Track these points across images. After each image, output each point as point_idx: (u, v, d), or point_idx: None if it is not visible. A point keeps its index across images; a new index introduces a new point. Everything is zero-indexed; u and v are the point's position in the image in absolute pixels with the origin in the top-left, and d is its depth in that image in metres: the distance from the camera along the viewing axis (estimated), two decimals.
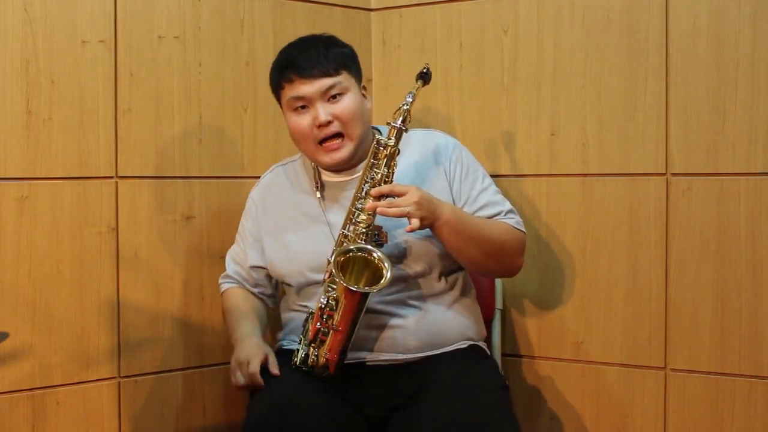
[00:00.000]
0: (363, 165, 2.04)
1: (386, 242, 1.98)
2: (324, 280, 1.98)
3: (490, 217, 2.10)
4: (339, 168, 2.11)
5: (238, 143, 2.45)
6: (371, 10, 2.67)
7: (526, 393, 2.50)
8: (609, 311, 2.40)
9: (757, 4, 2.21)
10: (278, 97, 2.14)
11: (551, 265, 2.47)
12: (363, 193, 1.98)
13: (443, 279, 2.10)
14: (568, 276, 2.45)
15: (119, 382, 2.28)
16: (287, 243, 2.14)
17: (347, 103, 2.05)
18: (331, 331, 1.93)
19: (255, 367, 1.96)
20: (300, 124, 2.07)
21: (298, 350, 2.01)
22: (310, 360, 1.98)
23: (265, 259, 2.19)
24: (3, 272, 2.12)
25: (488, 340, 2.34)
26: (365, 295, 1.91)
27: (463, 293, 2.15)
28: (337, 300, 1.92)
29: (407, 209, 1.90)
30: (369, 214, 1.95)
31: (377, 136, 2.01)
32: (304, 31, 2.51)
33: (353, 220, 1.98)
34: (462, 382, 1.94)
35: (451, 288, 2.12)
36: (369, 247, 1.95)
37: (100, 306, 2.24)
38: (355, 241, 1.96)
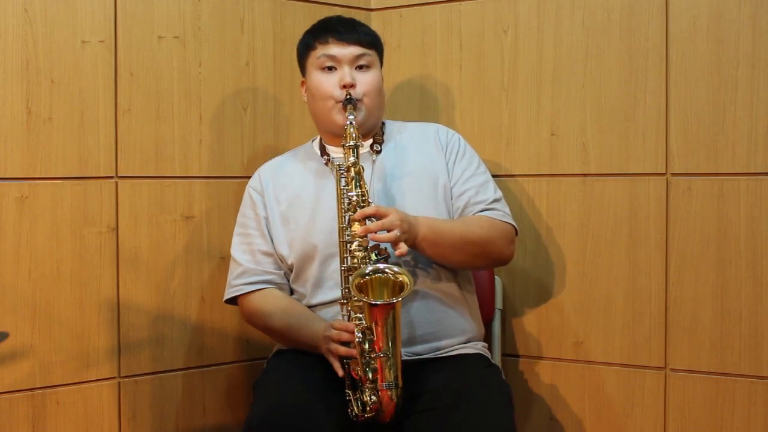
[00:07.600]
0: (366, 144, 2.13)
1: (389, 256, 1.96)
2: (350, 315, 1.95)
3: (475, 204, 2.13)
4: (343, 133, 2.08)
5: (238, 143, 2.45)
6: (371, 10, 2.67)
7: (526, 393, 2.50)
8: (609, 311, 2.40)
9: (757, 4, 2.21)
10: (305, 58, 2.19)
11: (551, 265, 2.47)
12: (346, 223, 1.97)
13: (441, 272, 2.12)
14: (568, 276, 2.45)
15: (119, 382, 2.28)
16: (303, 214, 2.14)
17: (372, 76, 2.15)
18: (377, 360, 1.88)
19: (330, 331, 1.97)
20: (325, 82, 2.13)
21: (350, 402, 1.94)
22: (371, 405, 1.90)
23: (279, 239, 2.17)
24: (3, 272, 2.12)
25: (488, 340, 2.35)
26: (393, 308, 1.86)
27: (462, 286, 2.16)
28: (370, 328, 1.88)
29: (396, 232, 1.90)
30: (362, 238, 1.94)
31: (336, 162, 2.04)
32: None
33: (348, 250, 1.97)
34: (468, 394, 1.92)
35: (450, 281, 2.13)
36: (382, 266, 1.92)
37: (100, 306, 2.24)
38: (360, 267, 1.93)
